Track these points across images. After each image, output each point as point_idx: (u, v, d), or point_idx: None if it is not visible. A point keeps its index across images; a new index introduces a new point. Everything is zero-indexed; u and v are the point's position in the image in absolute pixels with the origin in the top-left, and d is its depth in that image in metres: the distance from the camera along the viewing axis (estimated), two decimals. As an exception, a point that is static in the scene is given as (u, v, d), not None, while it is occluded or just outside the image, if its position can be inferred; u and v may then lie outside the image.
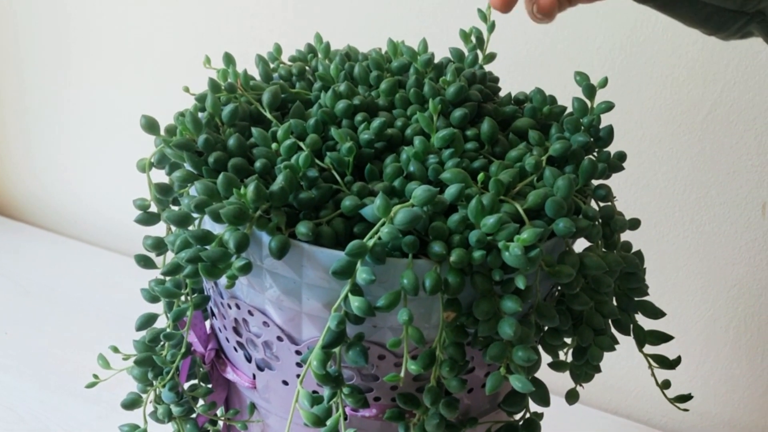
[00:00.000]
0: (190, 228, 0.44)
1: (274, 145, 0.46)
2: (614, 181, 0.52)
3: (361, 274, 0.39)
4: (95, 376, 0.53)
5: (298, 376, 0.48)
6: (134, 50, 1.05)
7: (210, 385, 0.54)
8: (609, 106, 0.50)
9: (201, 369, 0.53)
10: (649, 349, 0.51)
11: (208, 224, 0.45)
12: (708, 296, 0.84)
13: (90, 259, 1.13)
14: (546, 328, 0.47)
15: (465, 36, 0.58)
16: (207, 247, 0.41)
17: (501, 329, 0.41)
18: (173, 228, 0.49)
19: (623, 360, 0.86)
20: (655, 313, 0.50)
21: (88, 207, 1.20)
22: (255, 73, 0.56)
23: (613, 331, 0.49)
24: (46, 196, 1.23)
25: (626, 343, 0.51)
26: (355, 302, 0.39)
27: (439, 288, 0.40)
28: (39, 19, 1.09)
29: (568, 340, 0.48)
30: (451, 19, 0.83)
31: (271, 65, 0.58)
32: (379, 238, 0.40)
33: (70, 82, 1.12)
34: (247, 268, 0.40)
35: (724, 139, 0.77)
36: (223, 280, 0.41)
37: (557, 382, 0.52)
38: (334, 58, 0.55)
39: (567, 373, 0.49)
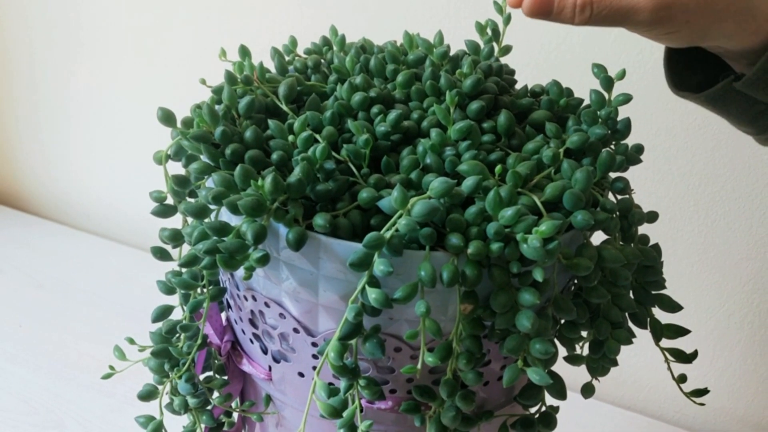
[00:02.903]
0: (207, 220, 0.44)
1: (290, 138, 0.46)
2: (629, 175, 0.51)
3: (379, 266, 0.39)
4: (111, 368, 0.53)
5: (314, 368, 0.48)
6: (144, 43, 1.05)
7: (226, 377, 0.54)
8: (627, 98, 0.50)
9: (217, 361, 0.53)
10: (665, 342, 0.50)
11: (225, 216, 0.45)
12: (722, 291, 0.84)
13: (102, 252, 1.14)
14: (563, 321, 0.47)
15: (481, 28, 0.57)
16: (224, 238, 0.41)
17: (518, 322, 0.41)
18: (189, 220, 0.49)
19: (636, 355, 0.86)
20: (673, 306, 0.49)
21: (100, 200, 1.20)
22: (270, 65, 0.56)
23: (630, 324, 0.49)
24: (58, 189, 1.23)
25: (640, 338, 0.51)
26: (373, 294, 0.39)
27: (457, 280, 0.40)
28: (50, 12, 1.09)
29: (585, 334, 0.48)
30: (466, 12, 0.83)
31: (287, 58, 0.57)
32: (397, 230, 0.40)
33: (81, 75, 1.13)
34: (264, 260, 0.40)
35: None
36: (240, 272, 0.41)
37: (570, 376, 0.51)
38: (350, 51, 0.55)
39: (576, 368, 0.49)
